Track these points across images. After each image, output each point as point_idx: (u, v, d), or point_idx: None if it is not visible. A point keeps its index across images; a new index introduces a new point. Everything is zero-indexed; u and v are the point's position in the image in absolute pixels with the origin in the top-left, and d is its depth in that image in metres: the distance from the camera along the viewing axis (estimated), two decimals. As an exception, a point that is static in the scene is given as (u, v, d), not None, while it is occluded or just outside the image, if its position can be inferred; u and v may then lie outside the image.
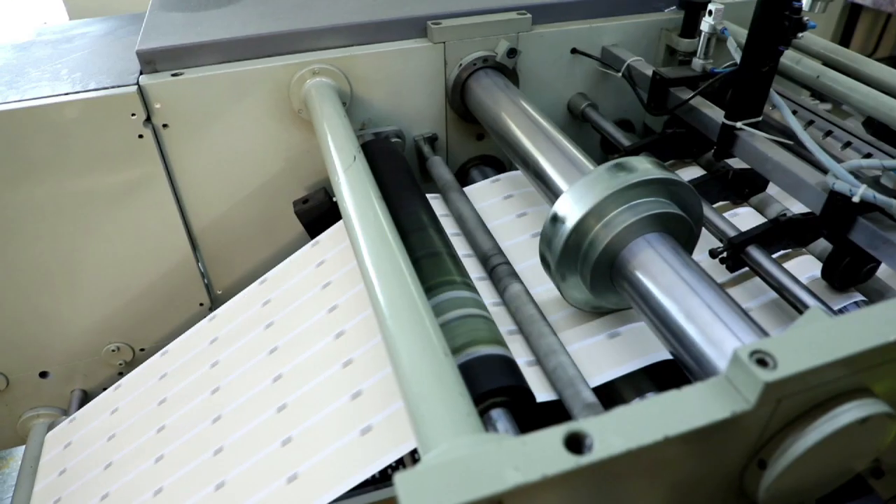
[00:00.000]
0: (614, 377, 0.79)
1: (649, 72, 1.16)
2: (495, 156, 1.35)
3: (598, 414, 0.51)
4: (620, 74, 1.23)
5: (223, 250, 1.27)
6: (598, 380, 0.78)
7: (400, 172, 1.03)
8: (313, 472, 0.81)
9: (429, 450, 0.52)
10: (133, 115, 1.07)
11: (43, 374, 1.32)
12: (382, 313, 0.64)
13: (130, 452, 1.07)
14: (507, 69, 1.22)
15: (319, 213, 1.12)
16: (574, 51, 1.28)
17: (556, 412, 0.76)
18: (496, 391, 0.67)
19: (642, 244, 0.78)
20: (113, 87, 1.07)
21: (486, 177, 1.29)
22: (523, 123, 1.04)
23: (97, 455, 1.13)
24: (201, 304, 1.31)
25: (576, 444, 0.47)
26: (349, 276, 1.00)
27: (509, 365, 0.70)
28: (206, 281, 1.29)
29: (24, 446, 1.46)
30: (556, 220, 0.80)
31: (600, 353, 0.82)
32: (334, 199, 1.16)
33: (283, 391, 0.94)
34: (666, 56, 1.34)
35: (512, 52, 1.20)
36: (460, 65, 1.20)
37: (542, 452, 0.46)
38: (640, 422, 0.48)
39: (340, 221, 1.10)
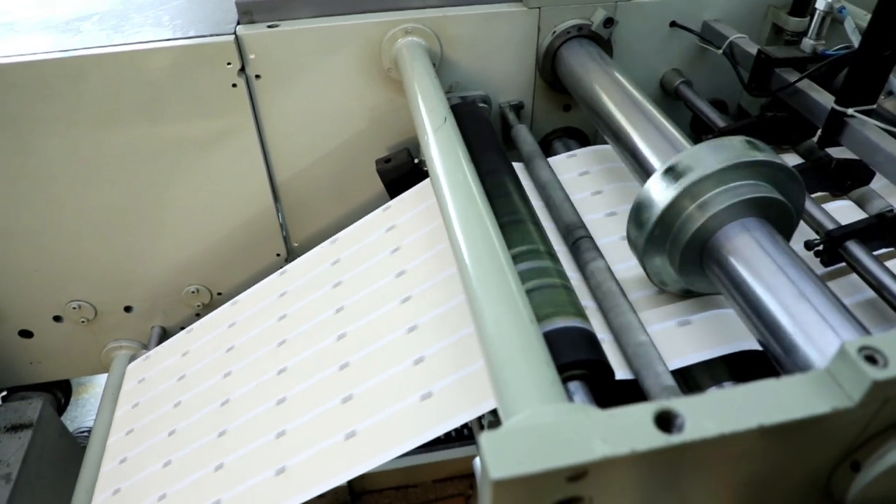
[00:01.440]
0: (693, 362, 0.77)
1: (753, 50, 1.10)
2: (580, 129, 1.32)
3: (676, 397, 0.50)
4: (721, 51, 1.17)
5: (303, 203, 1.29)
6: (676, 363, 0.76)
7: (487, 137, 1.02)
8: (371, 431, 0.83)
9: (511, 414, 0.52)
10: (228, 64, 1.09)
11: (127, 309, 1.39)
12: (469, 276, 0.64)
13: (198, 394, 1.12)
14: (601, 39, 1.18)
15: (401, 173, 1.12)
16: (673, 24, 1.22)
17: (627, 392, 0.75)
18: (576, 363, 0.66)
19: (738, 228, 0.75)
20: (211, 36, 1.10)
21: (568, 149, 1.26)
22: (617, 96, 1.01)
23: (167, 393, 1.18)
24: (278, 255, 1.34)
25: (666, 422, 0.46)
26: (419, 242, 1.00)
27: (590, 339, 0.69)
28: (284, 232, 1.32)
29: (103, 375, 1.56)
30: (647, 197, 0.77)
31: (680, 337, 0.80)
32: (416, 161, 1.16)
33: (346, 350, 0.96)
34: (771, 35, 1.27)
35: (608, 22, 1.16)
36: (554, 32, 1.17)
37: (632, 427, 0.45)
38: (735, 408, 0.47)
39: (415, 187, 1.11)
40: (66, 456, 1.51)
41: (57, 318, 1.38)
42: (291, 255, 1.35)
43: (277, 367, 1.03)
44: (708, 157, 0.75)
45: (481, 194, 0.74)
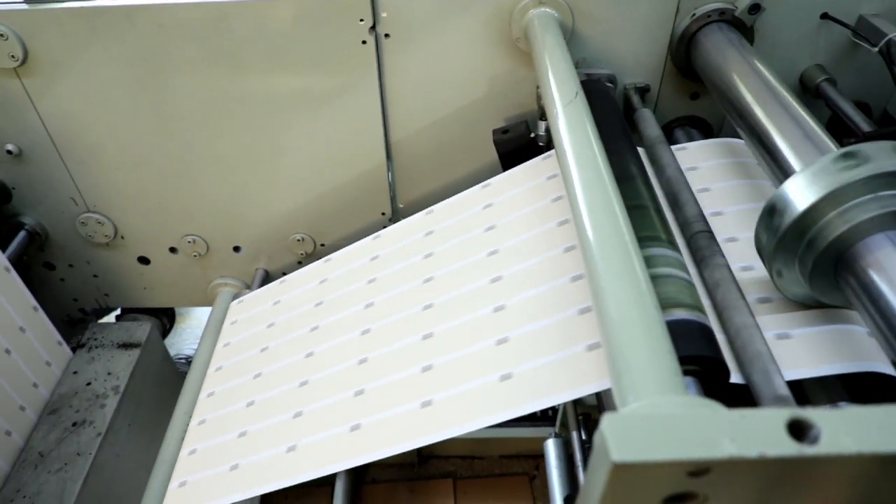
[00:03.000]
0: (811, 375, 0.73)
1: (915, 51, 1.02)
2: (706, 119, 1.26)
3: (790, 408, 0.47)
4: (877, 49, 1.09)
5: (413, 165, 1.31)
6: (792, 374, 0.73)
7: (612, 117, 0.99)
8: (447, 403, 0.84)
9: (628, 401, 0.51)
10: (361, 20, 1.11)
11: (236, 249, 1.46)
12: (593, 255, 0.62)
13: (284, 343, 1.16)
14: (743, 26, 1.12)
15: (517, 145, 1.11)
16: (825, 16, 1.14)
17: (730, 398, 0.72)
18: (693, 359, 0.64)
19: (882, 241, 0.70)
20: (347, -9, 1.11)
21: (691, 139, 1.21)
22: (757, 88, 0.95)
23: (256, 338, 1.24)
24: (383, 214, 1.37)
25: (799, 431, 0.44)
26: (515, 223, 0.99)
27: (709, 335, 0.67)
28: (392, 192, 1.34)
29: (201, 308, 1.65)
30: (783, 198, 0.73)
31: (800, 347, 0.76)
32: (532, 135, 1.14)
33: (431, 320, 0.97)
34: (936, 36, 1.16)
35: (755, 8, 1.09)
36: (693, 14, 1.12)
37: (762, 431, 0.43)
38: (877, 427, 0.44)
39: (520, 167, 1.10)
40: (166, 378, 1.61)
41: (172, 250, 1.47)
42: (396, 215, 1.37)
43: (362, 328, 1.06)
44: (850, 165, 0.70)
45: (609, 174, 0.72)
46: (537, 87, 1.15)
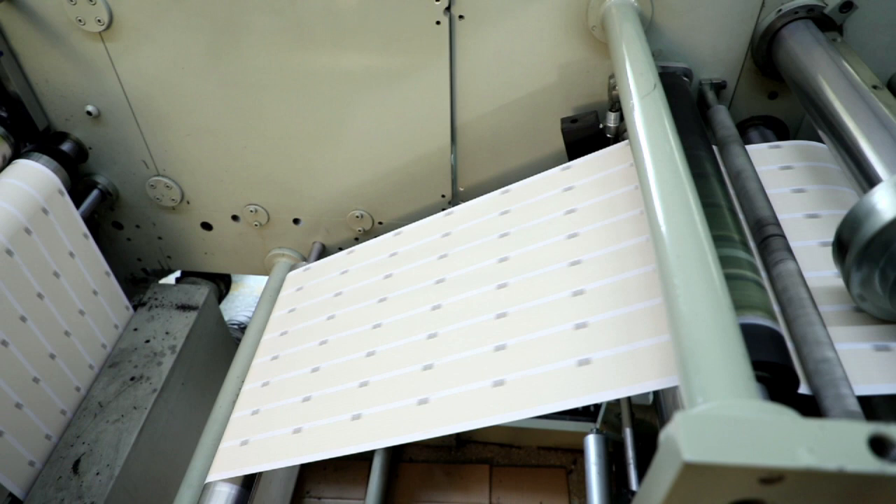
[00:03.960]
0: (885, 392, 0.70)
1: None
2: (782, 119, 1.22)
3: (873, 423, 0.45)
4: (977, 57, 1.03)
5: (477, 149, 1.30)
6: (864, 389, 0.70)
7: (688, 112, 0.96)
8: (521, 384, 0.83)
9: (697, 401, 0.50)
10: (437, 1, 1.10)
11: (296, 221, 1.49)
12: (666, 251, 0.61)
13: (352, 312, 1.17)
14: (832, 24, 1.07)
15: (586, 135, 1.10)
16: (922, 19, 1.09)
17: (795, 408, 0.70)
18: (763, 364, 0.62)
19: (974, 258, 0.66)
20: (424, -29, 1.11)
21: (765, 139, 1.18)
22: (844, 91, 0.91)
23: (323, 306, 1.25)
24: (443, 196, 1.37)
25: (881, 447, 0.42)
26: (597, 207, 0.97)
27: (780, 341, 0.65)
28: (453, 175, 1.34)
29: (256, 277, 1.68)
30: (869, 206, 0.70)
31: (874, 362, 0.73)
32: (602, 126, 1.13)
33: (505, 300, 0.96)
34: None
35: (847, 6, 1.05)
36: (779, 10, 1.08)
37: (843, 444, 0.42)
38: (964, 451, 0.42)
39: (600, 153, 1.08)
40: (219, 342, 1.66)
41: (234, 218, 1.50)
42: (455, 198, 1.37)
43: (432, 303, 1.05)
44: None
45: (686, 170, 0.71)
46: (609, 78, 1.13)
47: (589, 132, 1.10)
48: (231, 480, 1.00)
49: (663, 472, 0.44)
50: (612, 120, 1.14)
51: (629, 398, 1.12)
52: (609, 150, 1.05)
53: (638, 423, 1.30)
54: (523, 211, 1.09)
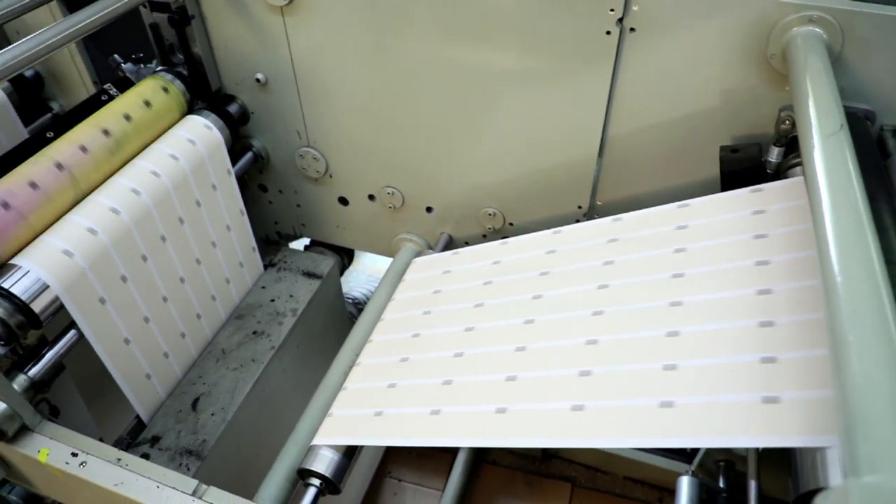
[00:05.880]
0: None
1: None
2: (972, 180, 1.10)
3: None
4: None
5: (623, 164, 1.27)
6: None
7: (870, 159, 0.89)
8: (599, 413, 0.82)
9: (861, 471, 0.46)
10: (612, 10, 1.08)
11: (428, 209, 1.52)
12: (840, 304, 0.57)
13: (447, 311, 1.19)
14: None
15: (744, 167, 1.05)
16: None
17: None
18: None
19: None
20: (602, -21, 1.09)
21: (948, 200, 1.07)
22: None
23: (421, 301, 1.27)
24: (579, 207, 1.35)
25: None
26: (792, 236, 0.91)
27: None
28: (594, 187, 1.32)
29: (376, 256, 1.73)
30: None
31: None
32: (764, 160, 1.07)
33: (598, 327, 0.96)
34: None
35: None
36: None
37: None
38: None
39: (727, 193, 1.05)
40: (336, 313, 1.73)
41: (371, 197, 1.56)
42: (591, 211, 1.35)
43: (525, 317, 1.07)
44: None
45: (870, 220, 0.66)
46: (780, 110, 1.07)
47: (749, 164, 1.04)
48: (335, 448, 1.04)
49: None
50: (774, 155, 1.08)
51: (757, 449, 1.06)
52: (731, 195, 1.03)
53: (735, 473, 1.24)
54: (632, 242, 1.08)
